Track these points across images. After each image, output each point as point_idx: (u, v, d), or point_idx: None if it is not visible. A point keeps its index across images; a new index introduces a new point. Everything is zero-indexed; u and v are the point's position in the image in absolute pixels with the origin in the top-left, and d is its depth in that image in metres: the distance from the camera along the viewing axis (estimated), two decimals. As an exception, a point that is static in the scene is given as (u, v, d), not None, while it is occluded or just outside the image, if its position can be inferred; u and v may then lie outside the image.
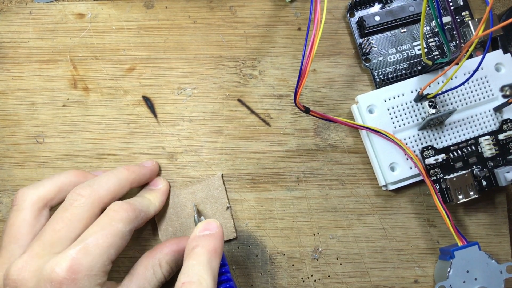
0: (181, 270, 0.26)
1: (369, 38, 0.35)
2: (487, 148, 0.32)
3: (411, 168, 0.32)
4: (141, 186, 0.32)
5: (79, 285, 0.25)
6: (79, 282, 0.24)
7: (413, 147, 0.33)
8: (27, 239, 0.27)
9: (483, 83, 0.33)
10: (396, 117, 0.33)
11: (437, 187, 0.32)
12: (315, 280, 0.33)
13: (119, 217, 0.27)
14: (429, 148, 0.32)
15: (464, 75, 0.33)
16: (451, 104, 0.33)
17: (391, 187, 0.33)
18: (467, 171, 0.32)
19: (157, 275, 0.28)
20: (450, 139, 0.33)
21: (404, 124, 0.33)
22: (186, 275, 0.25)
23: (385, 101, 0.33)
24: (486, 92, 0.33)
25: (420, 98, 0.32)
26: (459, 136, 0.33)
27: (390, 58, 0.34)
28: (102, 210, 0.28)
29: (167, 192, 0.33)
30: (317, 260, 0.33)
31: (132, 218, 0.28)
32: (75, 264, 0.25)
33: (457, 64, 0.29)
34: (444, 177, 0.32)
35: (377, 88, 0.34)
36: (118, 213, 0.27)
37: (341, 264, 0.33)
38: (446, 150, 0.32)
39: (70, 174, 0.30)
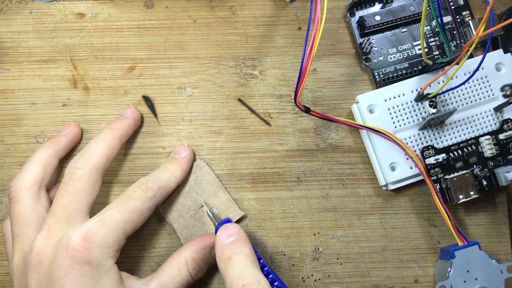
0: (228, 280, 0.25)
1: (369, 38, 0.34)
2: (488, 148, 0.32)
3: (411, 168, 0.32)
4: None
5: (92, 254, 0.26)
6: (92, 251, 0.26)
7: (413, 146, 0.33)
8: (37, 222, 0.28)
9: (483, 83, 0.33)
10: (396, 116, 0.33)
11: (438, 186, 0.32)
12: (315, 280, 0.33)
13: (136, 195, 0.28)
14: (430, 148, 0.32)
15: (465, 74, 0.33)
16: (452, 104, 0.33)
17: (392, 187, 0.33)
18: (468, 171, 0.32)
19: (182, 273, 0.29)
20: (451, 139, 0.33)
21: (404, 124, 0.33)
22: (242, 278, 0.25)
23: (385, 100, 0.33)
24: (487, 91, 0.33)
25: (420, 97, 0.32)
26: (460, 136, 0.33)
27: (391, 58, 0.34)
28: (102, 174, 0.29)
29: (191, 160, 0.33)
30: (317, 260, 0.33)
31: (150, 196, 0.29)
32: (90, 233, 0.26)
33: (457, 63, 0.29)
34: (445, 177, 0.32)
35: (377, 88, 0.34)
36: (135, 192, 0.28)
37: (341, 264, 0.33)
38: (446, 149, 0.32)
39: (44, 148, 0.31)
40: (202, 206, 0.32)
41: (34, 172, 0.30)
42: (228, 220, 0.30)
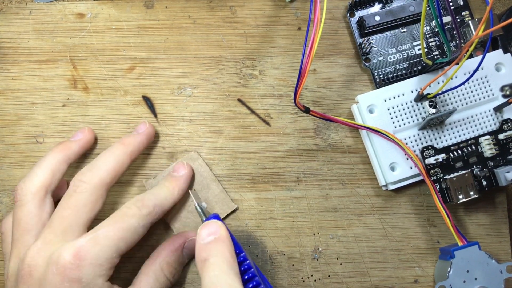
0: (203, 284, 0.25)
1: (369, 38, 0.34)
2: (487, 148, 0.32)
3: (411, 168, 0.32)
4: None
5: (83, 272, 0.25)
6: (83, 269, 0.25)
7: (413, 147, 0.33)
8: (38, 229, 0.28)
9: (483, 83, 0.33)
10: (396, 117, 0.33)
11: (437, 187, 0.32)
12: (315, 280, 0.33)
13: (131, 213, 0.28)
14: (429, 148, 0.32)
15: (464, 75, 0.33)
16: (451, 104, 0.33)
17: (391, 187, 0.33)
18: (467, 171, 0.32)
19: (160, 280, 0.28)
20: (450, 139, 0.33)
21: (404, 124, 0.33)
22: (213, 286, 0.24)
23: (385, 101, 0.33)
24: (486, 92, 0.33)
25: (420, 98, 0.32)
26: (459, 136, 0.33)
27: (390, 58, 0.34)
28: (108, 189, 0.29)
29: (189, 178, 0.32)
30: (317, 260, 0.33)
31: (145, 214, 0.28)
32: (82, 251, 0.25)
33: (457, 64, 0.29)
34: (444, 177, 0.32)
35: (377, 88, 0.34)
36: (130, 209, 0.28)
37: (341, 264, 0.33)
38: (446, 150, 0.32)
39: (54, 153, 0.30)
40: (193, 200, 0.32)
41: (41, 177, 0.29)
42: (216, 216, 0.28)
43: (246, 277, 0.26)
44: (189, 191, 0.32)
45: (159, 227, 0.33)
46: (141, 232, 0.28)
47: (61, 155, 0.30)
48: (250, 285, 0.26)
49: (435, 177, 0.32)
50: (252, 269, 0.27)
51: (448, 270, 0.30)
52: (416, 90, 0.33)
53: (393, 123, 0.33)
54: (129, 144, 0.31)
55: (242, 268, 0.27)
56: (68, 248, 0.25)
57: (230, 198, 0.33)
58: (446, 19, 0.34)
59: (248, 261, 0.27)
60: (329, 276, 0.33)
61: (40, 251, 0.26)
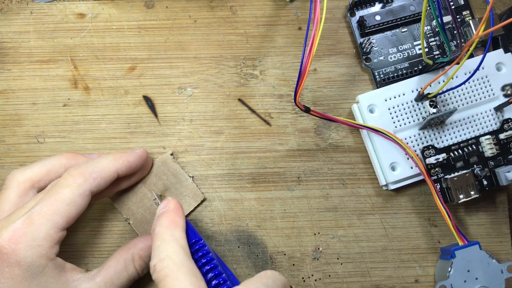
0: (150, 256, 0.26)
1: (369, 38, 0.34)
2: (488, 147, 0.32)
3: (411, 168, 0.32)
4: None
5: (20, 256, 0.24)
6: (20, 252, 0.24)
7: (413, 146, 0.33)
8: (6, 215, 0.28)
9: (484, 83, 0.33)
10: (396, 116, 0.33)
11: (438, 186, 0.32)
12: (315, 280, 0.33)
13: (65, 183, 0.27)
14: (430, 147, 0.32)
15: (465, 74, 0.33)
16: (452, 103, 0.33)
17: (392, 187, 0.33)
18: (468, 170, 0.32)
19: (128, 269, 0.28)
20: (451, 139, 0.33)
21: (404, 124, 0.33)
22: (154, 257, 0.25)
23: (385, 100, 0.33)
24: (487, 91, 0.33)
25: (420, 97, 0.32)
26: (460, 136, 0.33)
27: (391, 58, 0.34)
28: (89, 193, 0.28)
29: (140, 156, 0.31)
30: (317, 259, 0.33)
31: (80, 182, 0.27)
32: (16, 234, 0.25)
33: (457, 63, 0.29)
34: (445, 177, 0.32)
35: (377, 88, 0.34)
36: (65, 180, 0.27)
37: (341, 264, 0.33)
38: (447, 149, 0.32)
39: (61, 156, 0.30)
40: (155, 198, 0.32)
41: (34, 171, 0.29)
42: None
43: (204, 260, 0.27)
44: (153, 192, 0.32)
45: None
46: (79, 203, 0.27)
47: (65, 161, 0.30)
48: (207, 267, 0.27)
49: (435, 177, 0.32)
50: (211, 254, 0.27)
51: (449, 269, 0.30)
52: (417, 90, 0.33)
53: (394, 122, 0.33)
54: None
55: (201, 253, 0.27)
56: (4, 232, 0.25)
57: (200, 191, 0.33)
58: (447, 18, 0.34)
59: (206, 247, 0.28)
60: (329, 276, 0.33)
61: None
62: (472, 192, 0.31)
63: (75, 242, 0.32)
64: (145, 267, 0.29)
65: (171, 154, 0.33)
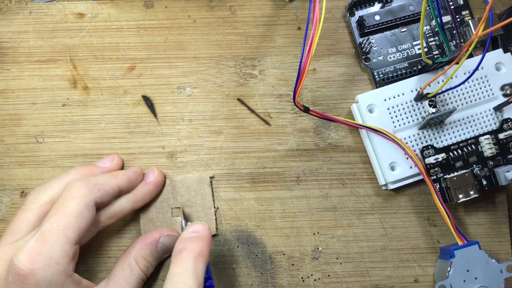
0: (167, 277, 0.26)
1: (369, 38, 0.34)
2: (487, 147, 0.32)
3: (411, 168, 0.32)
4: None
5: (39, 276, 0.24)
6: (38, 273, 0.24)
7: (413, 146, 0.33)
8: (23, 235, 0.27)
9: (483, 82, 0.33)
10: (396, 116, 0.33)
11: (437, 186, 0.32)
12: (315, 280, 0.33)
13: (70, 195, 0.27)
14: (429, 147, 0.32)
15: (464, 74, 0.33)
16: (451, 103, 0.33)
17: (391, 187, 0.33)
18: (467, 170, 0.32)
19: (134, 272, 0.28)
20: (450, 139, 0.33)
21: (404, 124, 0.33)
22: (171, 283, 0.25)
23: (385, 100, 0.33)
24: (486, 91, 0.33)
25: (420, 97, 0.32)
26: (459, 136, 0.33)
27: (390, 58, 0.34)
28: (94, 205, 0.28)
29: (137, 172, 0.31)
30: (317, 259, 0.33)
31: (85, 193, 0.27)
32: (32, 254, 0.24)
33: (457, 63, 0.29)
34: (444, 177, 0.32)
35: (377, 88, 0.34)
36: (69, 192, 0.27)
37: (341, 264, 0.33)
38: (446, 149, 0.32)
39: (76, 172, 0.30)
40: (178, 216, 0.32)
41: (54, 191, 0.29)
42: None
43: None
44: (180, 209, 0.32)
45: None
46: (87, 215, 0.27)
47: (81, 176, 0.30)
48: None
49: (435, 177, 0.32)
50: None
51: (448, 269, 0.30)
52: (416, 90, 0.33)
53: (393, 122, 0.33)
54: (137, 194, 0.31)
55: None
56: (18, 255, 0.24)
57: (216, 226, 0.33)
58: (446, 18, 0.34)
59: (211, 281, 0.28)
60: (329, 275, 0.33)
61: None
62: (472, 192, 0.31)
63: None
64: (149, 266, 0.29)
65: (211, 177, 0.33)
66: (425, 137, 0.33)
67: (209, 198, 0.33)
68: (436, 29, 0.35)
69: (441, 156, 0.31)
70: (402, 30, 0.35)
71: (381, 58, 0.34)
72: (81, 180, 0.28)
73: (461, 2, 0.35)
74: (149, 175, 0.32)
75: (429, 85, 0.32)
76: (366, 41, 0.34)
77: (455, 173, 0.32)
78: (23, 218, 0.28)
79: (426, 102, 0.32)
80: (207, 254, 0.27)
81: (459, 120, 0.33)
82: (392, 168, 0.33)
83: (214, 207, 0.33)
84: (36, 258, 0.24)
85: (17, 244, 0.26)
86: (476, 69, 0.29)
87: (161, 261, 0.32)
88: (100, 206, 0.28)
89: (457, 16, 0.35)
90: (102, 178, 0.29)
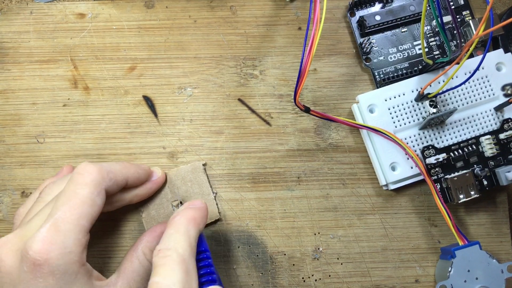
0: (160, 239, 0.26)
1: (369, 38, 0.34)
2: (488, 147, 0.32)
3: (411, 168, 0.32)
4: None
5: (54, 265, 0.24)
6: (53, 262, 0.24)
7: (413, 146, 0.33)
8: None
9: (483, 83, 0.33)
10: (396, 116, 0.33)
11: (438, 186, 0.32)
12: (315, 280, 0.33)
13: (83, 181, 0.26)
14: (430, 147, 0.32)
15: (465, 74, 0.33)
16: (452, 103, 0.33)
17: (392, 187, 0.33)
18: (468, 170, 0.32)
19: (143, 264, 0.28)
20: (451, 139, 0.33)
21: (404, 124, 0.33)
22: (163, 243, 0.25)
23: (385, 100, 0.33)
24: (487, 91, 0.33)
25: (420, 97, 0.32)
26: (460, 136, 0.33)
27: (391, 58, 0.34)
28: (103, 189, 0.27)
29: (146, 171, 0.31)
30: (317, 259, 0.33)
31: (98, 179, 0.26)
32: (46, 243, 0.24)
33: (457, 63, 0.29)
34: (445, 177, 0.32)
35: (377, 88, 0.34)
36: (82, 176, 0.26)
37: (342, 264, 0.33)
38: (447, 149, 0.32)
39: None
40: (177, 205, 0.32)
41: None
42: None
43: (204, 271, 0.27)
44: (179, 198, 0.32)
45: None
46: (99, 203, 0.26)
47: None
48: (207, 278, 0.27)
49: (435, 177, 0.32)
50: (213, 268, 0.27)
51: (449, 269, 0.30)
52: (417, 90, 0.33)
53: (394, 122, 0.33)
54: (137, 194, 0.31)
55: (203, 263, 0.27)
56: (31, 244, 0.24)
57: (218, 211, 0.33)
58: (447, 18, 0.34)
59: (210, 260, 0.28)
60: (329, 276, 0.33)
61: (7, 243, 0.25)
62: (472, 192, 0.31)
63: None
64: None
65: (204, 165, 0.33)
66: (425, 137, 0.33)
67: (206, 185, 0.33)
68: (436, 29, 0.35)
69: (441, 156, 0.31)
70: (403, 30, 0.35)
71: (381, 58, 0.34)
72: (95, 165, 0.27)
73: (462, 2, 0.35)
74: (153, 174, 0.32)
75: (430, 85, 0.32)
76: (367, 41, 0.34)
77: (456, 173, 0.32)
78: (37, 210, 0.28)
79: (426, 102, 0.32)
80: (200, 222, 0.27)
81: (459, 120, 0.33)
82: (393, 168, 0.33)
83: (213, 193, 0.33)
84: (51, 247, 0.24)
85: (24, 232, 0.26)
86: (477, 69, 0.29)
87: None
88: (108, 194, 0.28)
89: (457, 16, 0.35)
90: (116, 167, 0.29)
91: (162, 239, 0.26)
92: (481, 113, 0.33)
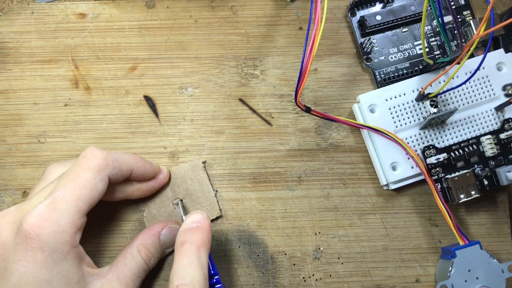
0: (172, 269, 0.26)
1: (370, 38, 0.35)
2: (489, 147, 0.32)
3: (412, 168, 0.32)
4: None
5: (44, 241, 0.24)
6: (44, 238, 0.24)
7: (414, 146, 0.33)
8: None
9: (484, 83, 0.33)
10: (397, 116, 0.33)
11: (439, 186, 0.32)
12: (316, 280, 0.33)
13: (87, 165, 0.26)
14: (431, 147, 0.32)
15: (466, 74, 0.33)
16: (453, 103, 0.33)
17: (393, 187, 0.33)
18: (469, 170, 0.32)
19: (136, 260, 0.28)
20: (452, 139, 0.33)
21: (405, 124, 0.33)
22: (178, 276, 0.25)
23: (386, 100, 0.33)
24: (488, 91, 0.33)
25: (421, 97, 0.32)
26: (461, 136, 0.33)
27: (392, 58, 0.34)
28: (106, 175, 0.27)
29: (154, 168, 0.31)
30: (318, 259, 0.33)
31: (102, 165, 0.27)
32: (41, 219, 0.24)
33: (458, 63, 0.29)
34: (446, 177, 0.32)
35: (378, 88, 0.34)
36: (88, 160, 0.26)
37: (342, 264, 0.33)
38: (447, 149, 0.32)
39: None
40: (177, 203, 0.32)
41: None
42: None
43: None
44: (179, 201, 0.32)
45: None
46: (100, 189, 0.26)
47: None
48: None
49: (436, 177, 0.32)
50: (217, 277, 0.28)
51: (450, 269, 0.30)
52: (417, 90, 0.33)
53: (394, 122, 0.33)
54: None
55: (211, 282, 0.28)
56: (27, 218, 0.24)
57: (219, 208, 0.33)
58: (447, 18, 0.34)
59: (221, 285, 0.29)
60: (330, 275, 0.33)
61: (6, 215, 0.26)
62: (473, 192, 0.31)
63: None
64: (151, 256, 0.29)
65: (203, 162, 0.33)
66: (426, 137, 0.33)
67: (207, 182, 0.33)
68: (437, 29, 0.35)
69: (442, 156, 0.31)
70: (404, 30, 0.35)
71: (382, 58, 0.34)
72: (101, 150, 0.27)
73: (462, 2, 0.35)
74: (160, 173, 0.32)
75: (431, 85, 0.32)
76: (368, 41, 0.34)
77: (457, 173, 0.32)
78: (40, 187, 0.28)
79: (427, 102, 0.33)
80: (209, 243, 0.27)
81: (460, 120, 0.33)
82: (394, 168, 0.33)
83: (214, 190, 0.33)
84: (44, 223, 0.24)
85: (24, 207, 0.26)
86: (478, 69, 0.29)
87: (163, 260, 0.32)
88: (111, 182, 0.28)
89: (458, 16, 0.35)
90: (123, 156, 0.29)
91: (176, 270, 0.26)
92: (482, 113, 0.33)
